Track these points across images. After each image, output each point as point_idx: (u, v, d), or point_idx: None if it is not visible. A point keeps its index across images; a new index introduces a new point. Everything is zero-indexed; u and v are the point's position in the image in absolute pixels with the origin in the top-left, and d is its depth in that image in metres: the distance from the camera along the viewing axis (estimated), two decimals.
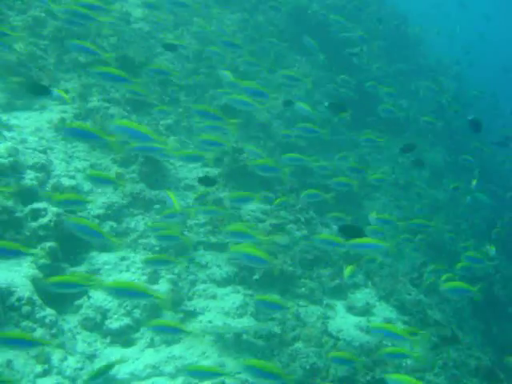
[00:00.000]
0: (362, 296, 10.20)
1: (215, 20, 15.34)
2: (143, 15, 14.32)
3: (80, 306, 7.64)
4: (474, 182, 13.25)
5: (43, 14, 11.81)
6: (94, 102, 10.73)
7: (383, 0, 23.92)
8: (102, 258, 8.39)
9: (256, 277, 9.27)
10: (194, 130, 12.11)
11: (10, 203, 7.81)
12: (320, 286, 9.80)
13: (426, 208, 15.10)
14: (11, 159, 8.24)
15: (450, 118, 18.12)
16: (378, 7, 22.16)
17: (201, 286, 8.83)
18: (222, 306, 8.58)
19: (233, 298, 8.81)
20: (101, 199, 9.04)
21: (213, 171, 10.94)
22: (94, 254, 8.41)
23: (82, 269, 8.11)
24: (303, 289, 9.58)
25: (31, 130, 9.64)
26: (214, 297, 8.74)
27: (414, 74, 20.17)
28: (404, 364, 8.24)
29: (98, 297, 7.78)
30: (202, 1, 14.36)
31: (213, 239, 9.58)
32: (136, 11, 14.35)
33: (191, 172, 10.73)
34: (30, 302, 6.90)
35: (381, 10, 21.94)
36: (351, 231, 7.54)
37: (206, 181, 8.70)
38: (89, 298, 7.79)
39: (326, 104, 9.16)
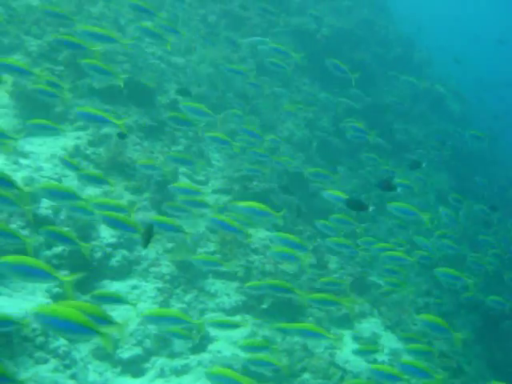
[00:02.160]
0: (368, 325, 10.31)
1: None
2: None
3: None
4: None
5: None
6: (107, 128, 10.89)
7: (391, 18, 24.18)
8: (113, 287, 8.52)
9: (264, 306, 9.40)
10: (205, 155, 12.29)
11: (25, 232, 7.96)
12: (327, 315, 9.92)
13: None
14: (28, 188, 8.38)
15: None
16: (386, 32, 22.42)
17: (210, 315, 8.95)
18: (230, 336, 8.69)
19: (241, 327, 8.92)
20: None
21: (222, 198, 11.09)
22: (105, 282, 8.55)
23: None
24: (310, 318, 9.70)
25: (46, 156, 9.81)
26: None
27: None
28: None
29: None
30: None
31: (222, 267, 9.69)
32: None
33: None
34: (44, 332, 7.03)
35: (389, 35, 22.20)
36: (356, 205, 7.93)
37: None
38: None
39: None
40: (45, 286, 7.80)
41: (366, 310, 10.74)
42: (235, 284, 9.64)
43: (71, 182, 9.53)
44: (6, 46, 12.11)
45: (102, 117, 7.48)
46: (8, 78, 11.23)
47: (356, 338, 9.87)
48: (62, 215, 8.70)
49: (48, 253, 8.13)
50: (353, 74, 10.26)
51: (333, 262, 11.38)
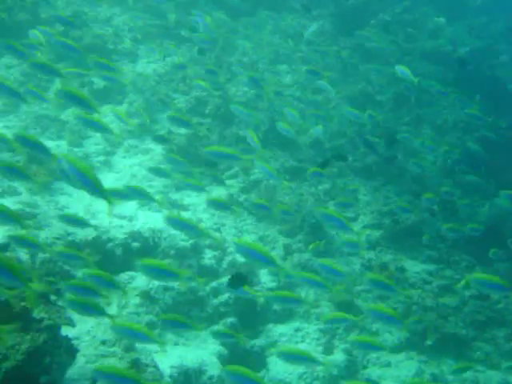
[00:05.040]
0: None
1: None
2: (292, 81, 14.95)
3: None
4: None
5: (204, 94, 12.76)
6: (256, 174, 11.33)
7: None
8: (277, 330, 8.79)
9: (429, 342, 9.23)
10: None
11: (193, 283, 8.48)
12: (496, 348, 9.55)
13: None
14: (192, 241, 8.96)
15: None
16: None
17: (374, 354, 8.93)
18: (397, 375, 8.62)
19: (407, 365, 8.82)
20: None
21: (374, 233, 11.08)
22: (270, 326, 8.84)
23: (260, 342, 8.54)
24: (478, 352, 9.38)
25: (203, 207, 10.38)
26: (388, 365, 8.81)
27: None
28: None
29: (278, 369, 8.16)
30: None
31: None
32: (286, 78, 15.05)
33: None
34: (220, 380, 7.40)
35: None
36: None
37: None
38: (268, 370, 8.20)
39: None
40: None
41: None
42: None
43: (229, 230, 10.01)
44: (157, 104, 13.04)
45: (232, 155, 7.79)
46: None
47: None
48: (225, 264, 9.16)
49: (215, 301, 8.59)
50: None
51: None
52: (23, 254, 6.94)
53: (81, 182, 5.22)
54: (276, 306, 8.97)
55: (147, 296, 8.17)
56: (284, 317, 9.06)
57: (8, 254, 6.37)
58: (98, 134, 11.41)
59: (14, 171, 6.76)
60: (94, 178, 5.25)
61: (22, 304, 5.39)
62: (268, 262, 6.30)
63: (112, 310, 8.06)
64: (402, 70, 11.20)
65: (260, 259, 6.28)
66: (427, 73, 15.53)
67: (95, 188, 5.32)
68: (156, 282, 8.29)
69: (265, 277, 9.28)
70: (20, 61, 13.52)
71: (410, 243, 11.01)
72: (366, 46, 15.87)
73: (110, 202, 5.50)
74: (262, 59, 15.47)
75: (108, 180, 10.77)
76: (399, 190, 12.76)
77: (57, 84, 12.97)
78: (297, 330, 8.90)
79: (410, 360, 8.95)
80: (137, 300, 8.15)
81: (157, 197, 8.78)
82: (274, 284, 9.25)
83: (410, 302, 9.68)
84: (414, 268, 10.53)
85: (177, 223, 7.15)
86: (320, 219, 8.24)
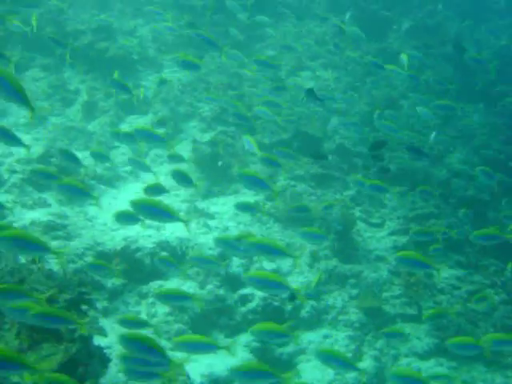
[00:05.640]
0: None
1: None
2: (316, 87, 14.95)
3: None
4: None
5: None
6: (281, 181, 11.38)
7: None
8: (306, 338, 8.80)
9: None
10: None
11: (221, 291, 8.55)
12: None
13: None
14: (219, 250, 9.03)
15: None
16: None
17: (404, 361, 8.90)
18: None
19: (437, 371, 8.77)
20: (298, 279, 9.54)
21: (400, 239, 11.03)
22: (298, 333, 8.85)
23: (288, 349, 8.57)
24: (510, 358, 9.28)
25: (229, 215, 10.45)
26: (418, 371, 8.76)
27: None
28: None
29: (307, 376, 8.18)
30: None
31: (409, 310, 9.65)
32: (309, 84, 15.05)
33: (380, 242, 10.92)
34: None
35: None
36: None
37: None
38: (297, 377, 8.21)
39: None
40: (244, 340, 8.29)
41: None
42: (424, 326, 9.51)
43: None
44: (182, 114, 13.17)
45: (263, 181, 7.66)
46: (187, 145, 12.18)
47: None
48: (251, 271, 9.20)
49: (243, 309, 8.64)
50: None
51: None
52: (55, 265, 7.06)
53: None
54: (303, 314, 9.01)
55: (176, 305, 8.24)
56: (312, 324, 9.08)
57: (40, 265, 6.49)
58: (124, 145, 11.55)
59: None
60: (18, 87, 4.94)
61: None
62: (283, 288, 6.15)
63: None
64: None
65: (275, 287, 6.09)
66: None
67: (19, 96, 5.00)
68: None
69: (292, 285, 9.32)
70: (46, 73, 13.82)
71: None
72: (388, 50, 15.85)
73: (32, 110, 5.18)
74: (285, 66, 15.51)
75: (135, 190, 10.91)
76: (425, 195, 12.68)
77: (83, 96, 13.20)
78: (325, 336, 8.90)
79: (439, 366, 8.89)
80: (166, 309, 8.23)
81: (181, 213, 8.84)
82: (302, 291, 9.26)
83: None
84: (442, 273, 10.45)
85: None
86: None
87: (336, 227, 10.17)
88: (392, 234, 11.25)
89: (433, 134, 12.35)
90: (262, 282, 6.03)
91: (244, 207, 8.72)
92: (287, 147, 12.00)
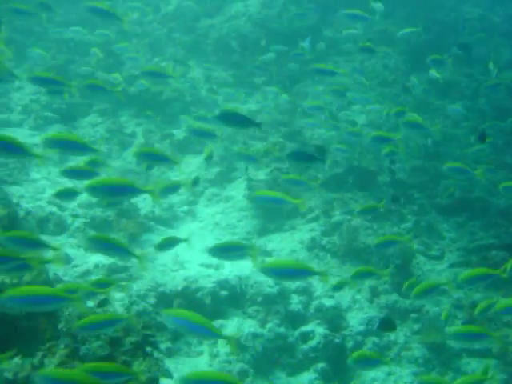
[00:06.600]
0: None
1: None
2: (367, 121, 15.00)
3: None
4: None
5: (281, 140, 13.01)
6: (337, 216, 11.36)
7: None
8: (369, 375, 8.68)
9: None
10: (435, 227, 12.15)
11: (281, 329, 8.55)
12: None
13: None
14: (278, 287, 9.07)
15: None
16: None
17: None
18: None
19: None
20: (359, 314, 9.44)
21: (461, 272, 10.81)
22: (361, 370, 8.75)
23: None
24: None
25: (287, 251, 10.50)
26: None
27: None
28: None
29: None
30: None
31: (475, 345, 9.41)
32: (360, 118, 15.11)
33: (440, 275, 10.73)
34: None
35: None
36: None
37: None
38: None
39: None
40: (307, 378, 8.24)
41: None
42: (492, 362, 9.25)
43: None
44: (235, 152, 13.37)
45: (280, 198, 7.68)
46: (241, 182, 12.35)
47: None
48: (311, 308, 9.19)
49: (304, 347, 8.60)
50: None
51: None
52: (119, 308, 7.22)
53: None
54: None
55: (237, 344, 8.28)
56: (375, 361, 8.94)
57: (106, 308, 6.65)
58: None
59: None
60: None
61: (123, 358, 5.62)
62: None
63: (204, 358, 8.25)
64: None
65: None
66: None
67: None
68: (246, 330, 8.45)
69: (353, 320, 9.24)
70: (103, 118, 14.29)
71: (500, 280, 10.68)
72: (440, 80, 15.75)
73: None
74: (335, 100, 15.60)
75: (192, 229, 11.09)
76: (485, 225, 12.45)
77: (139, 139, 13.57)
78: (389, 373, 8.76)
79: None
80: (227, 348, 8.27)
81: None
82: (362, 327, 9.18)
83: (506, 342, 9.36)
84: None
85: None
86: None
87: (395, 261, 10.08)
88: (452, 266, 11.06)
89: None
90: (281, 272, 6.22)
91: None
92: (342, 182, 12.14)
